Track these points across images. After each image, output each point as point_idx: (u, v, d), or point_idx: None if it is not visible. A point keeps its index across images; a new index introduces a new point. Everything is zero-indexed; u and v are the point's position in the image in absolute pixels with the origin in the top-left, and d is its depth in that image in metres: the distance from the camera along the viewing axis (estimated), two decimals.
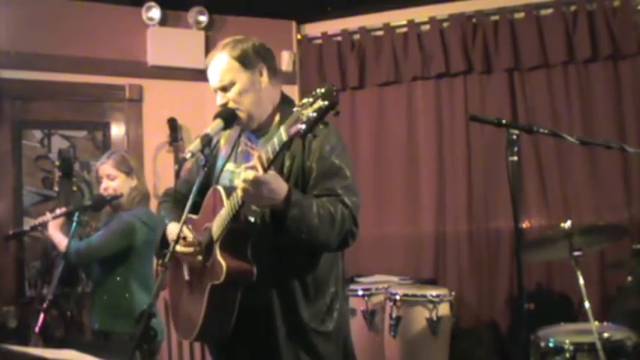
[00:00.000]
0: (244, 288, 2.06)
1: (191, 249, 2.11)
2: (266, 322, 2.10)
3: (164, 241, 2.30)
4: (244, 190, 1.88)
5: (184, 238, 2.10)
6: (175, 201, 2.43)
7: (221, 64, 2.15)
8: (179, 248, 2.09)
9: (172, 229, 2.25)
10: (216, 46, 2.21)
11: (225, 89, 2.16)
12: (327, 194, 2.05)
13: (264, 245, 2.05)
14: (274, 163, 1.88)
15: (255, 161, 1.86)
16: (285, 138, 1.78)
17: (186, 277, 2.23)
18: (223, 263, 2.00)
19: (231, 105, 2.15)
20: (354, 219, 2.07)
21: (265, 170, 1.85)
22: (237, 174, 2.22)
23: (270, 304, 2.09)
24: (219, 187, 2.12)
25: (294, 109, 1.75)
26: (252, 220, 2.05)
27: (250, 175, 1.84)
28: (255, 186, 1.85)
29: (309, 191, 2.08)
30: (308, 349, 2.11)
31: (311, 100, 1.71)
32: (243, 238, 2.05)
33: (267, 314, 2.09)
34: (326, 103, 1.68)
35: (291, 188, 1.96)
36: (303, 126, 1.70)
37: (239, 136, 2.31)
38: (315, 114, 1.69)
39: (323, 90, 1.71)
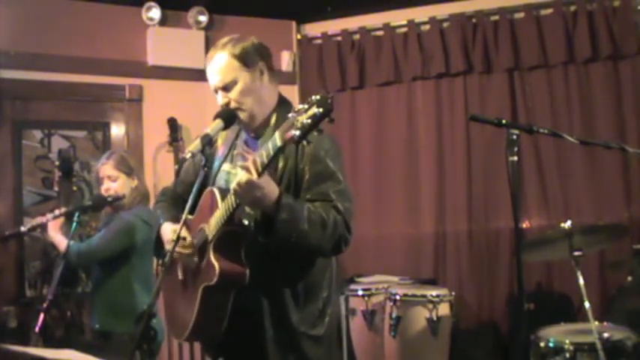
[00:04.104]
0: (237, 290, 2.06)
1: (189, 250, 2.11)
2: (254, 324, 2.09)
3: (159, 241, 2.30)
4: (236, 192, 1.88)
5: (184, 239, 2.10)
6: (172, 200, 2.44)
7: (222, 63, 2.14)
8: (177, 249, 2.10)
9: (166, 228, 2.25)
10: (214, 46, 2.19)
11: (226, 88, 2.14)
12: (321, 199, 2.05)
13: (254, 247, 2.04)
14: (268, 166, 1.88)
15: (249, 165, 1.86)
16: (279, 143, 1.78)
17: (180, 277, 2.23)
18: (216, 265, 2.00)
19: (233, 105, 2.13)
20: (347, 225, 2.05)
21: (259, 174, 1.85)
22: (233, 174, 2.21)
23: (259, 306, 2.09)
24: (215, 189, 2.12)
25: (290, 114, 1.75)
26: (247, 222, 2.04)
27: (244, 177, 1.84)
28: (247, 189, 1.86)
29: (302, 194, 2.07)
30: (296, 352, 2.11)
31: (306, 106, 1.71)
32: (237, 241, 2.05)
33: (255, 316, 2.09)
34: (320, 110, 1.68)
35: (283, 192, 1.96)
36: (298, 132, 1.70)
37: (236, 137, 2.30)
38: (309, 121, 1.69)
39: (318, 97, 1.70)
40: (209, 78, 2.19)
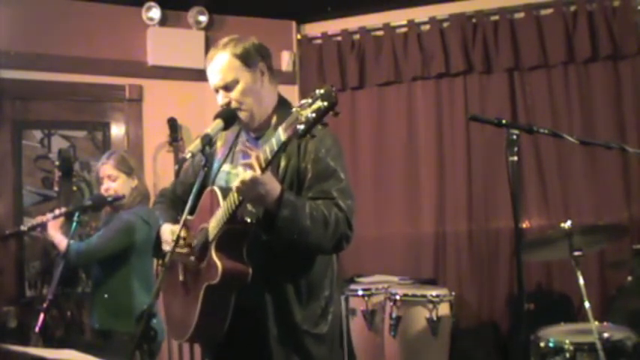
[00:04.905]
0: (239, 289, 2.06)
1: (185, 249, 2.11)
2: (258, 323, 2.09)
3: (158, 243, 2.30)
4: (240, 190, 1.88)
5: (184, 239, 2.10)
6: (170, 201, 2.43)
7: (223, 63, 2.14)
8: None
9: (166, 229, 2.25)
10: (215, 46, 2.19)
11: (227, 88, 2.14)
12: (323, 197, 2.05)
13: (257, 246, 2.04)
14: (272, 162, 1.87)
15: (253, 161, 1.85)
16: (283, 138, 1.77)
17: (181, 278, 2.22)
18: (219, 264, 1.99)
19: (233, 104, 2.14)
20: (349, 222, 2.06)
21: (263, 171, 1.85)
22: (233, 175, 2.21)
23: (263, 304, 2.09)
24: (216, 188, 2.11)
25: (293, 109, 1.75)
26: (249, 221, 2.04)
27: (248, 174, 1.84)
28: (252, 186, 1.86)
29: (304, 193, 2.08)
30: (300, 351, 2.11)
31: (310, 100, 1.71)
32: (239, 239, 2.05)
33: (259, 315, 2.09)
34: (325, 103, 1.68)
35: (285, 189, 1.96)
36: (302, 126, 1.69)
37: (236, 137, 2.30)
38: (313, 114, 1.68)
39: (322, 91, 1.70)
40: (210, 78, 2.19)
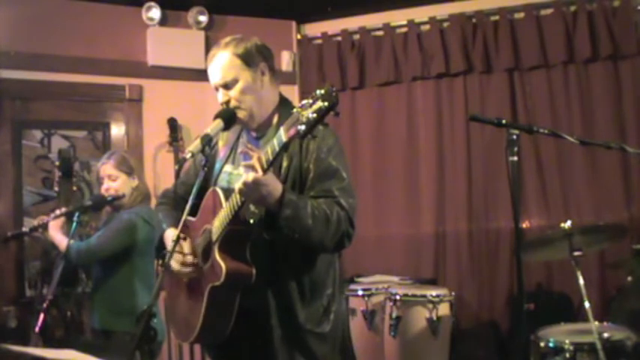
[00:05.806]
0: (243, 289, 2.06)
1: (189, 269, 2.12)
2: (262, 323, 2.10)
3: (161, 247, 2.31)
4: (242, 191, 1.88)
5: (184, 239, 2.10)
6: (173, 202, 2.44)
7: (224, 62, 2.15)
8: (176, 266, 2.11)
9: (169, 235, 2.26)
10: (217, 44, 2.20)
11: (227, 86, 2.15)
12: (324, 196, 2.06)
13: (260, 246, 2.05)
14: (273, 164, 1.88)
15: (254, 162, 1.86)
16: (284, 139, 1.78)
17: (185, 279, 2.22)
18: (223, 265, 2.00)
19: (233, 103, 2.14)
20: (351, 220, 2.07)
21: (265, 171, 1.85)
22: (234, 175, 2.22)
23: (266, 304, 2.09)
24: (218, 189, 2.12)
25: (294, 110, 1.76)
26: (251, 221, 2.05)
27: (250, 176, 1.85)
28: (254, 187, 1.86)
29: (306, 192, 2.08)
30: (303, 350, 2.12)
31: (311, 101, 1.72)
32: (243, 240, 2.05)
33: (262, 314, 2.09)
34: (326, 104, 1.68)
35: (286, 189, 1.96)
36: (303, 127, 1.70)
37: (238, 137, 2.31)
38: (314, 115, 1.69)
39: (323, 91, 1.71)
40: (210, 76, 2.20)
